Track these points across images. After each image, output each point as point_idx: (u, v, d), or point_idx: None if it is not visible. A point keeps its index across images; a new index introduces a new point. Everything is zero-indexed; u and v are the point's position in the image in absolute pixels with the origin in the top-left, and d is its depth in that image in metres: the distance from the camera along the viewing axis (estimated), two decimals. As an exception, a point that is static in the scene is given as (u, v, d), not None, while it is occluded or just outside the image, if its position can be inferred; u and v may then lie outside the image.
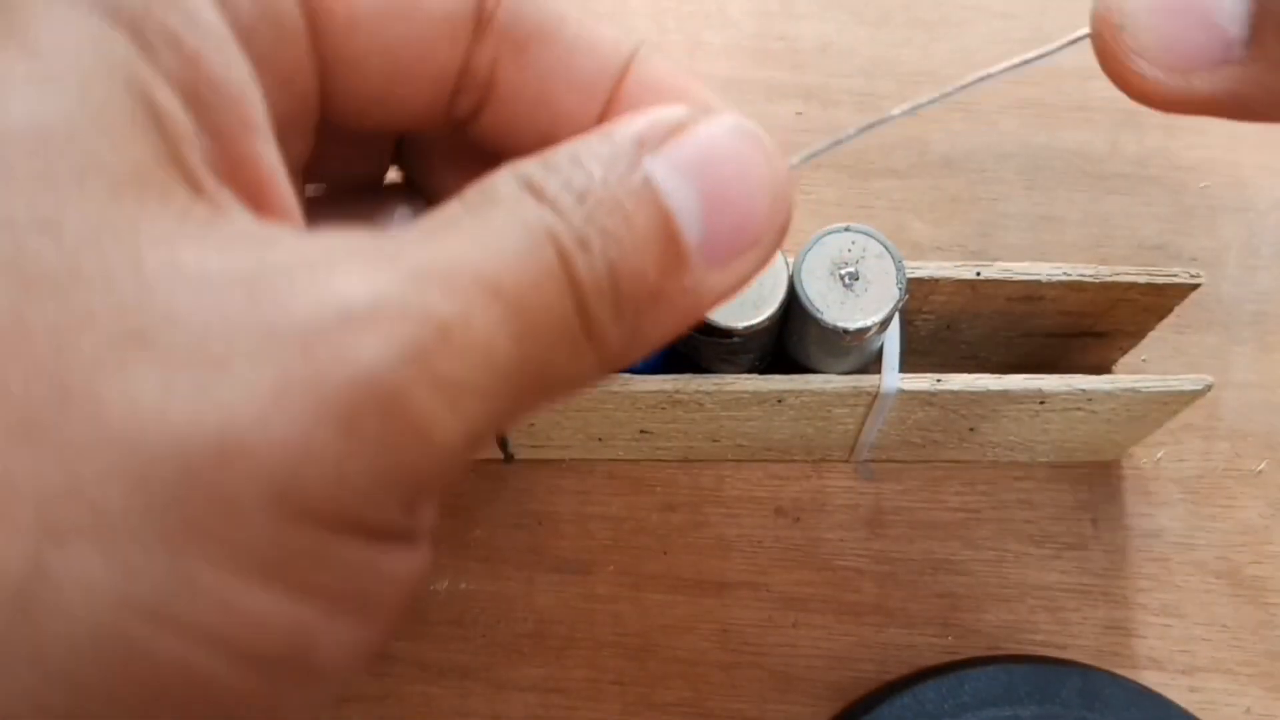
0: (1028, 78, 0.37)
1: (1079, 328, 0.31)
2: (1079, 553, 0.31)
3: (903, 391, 0.27)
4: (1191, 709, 0.28)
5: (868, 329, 0.25)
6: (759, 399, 0.27)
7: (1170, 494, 0.32)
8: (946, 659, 0.30)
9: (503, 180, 0.14)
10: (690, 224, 0.15)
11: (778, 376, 0.27)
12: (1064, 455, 0.32)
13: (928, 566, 0.31)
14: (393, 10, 0.16)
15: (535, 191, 0.14)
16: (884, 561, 0.31)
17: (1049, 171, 0.36)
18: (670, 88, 0.17)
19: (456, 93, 0.17)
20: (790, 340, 0.27)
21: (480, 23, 0.16)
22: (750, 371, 0.27)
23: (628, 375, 0.26)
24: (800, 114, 0.36)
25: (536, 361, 0.13)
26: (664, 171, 0.15)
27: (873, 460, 0.32)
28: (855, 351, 0.26)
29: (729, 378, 0.26)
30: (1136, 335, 0.31)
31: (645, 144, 0.15)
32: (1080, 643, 0.30)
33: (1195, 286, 0.29)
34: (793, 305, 0.26)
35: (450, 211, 0.14)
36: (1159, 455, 0.32)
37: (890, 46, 0.37)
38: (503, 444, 0.26)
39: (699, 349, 0.27)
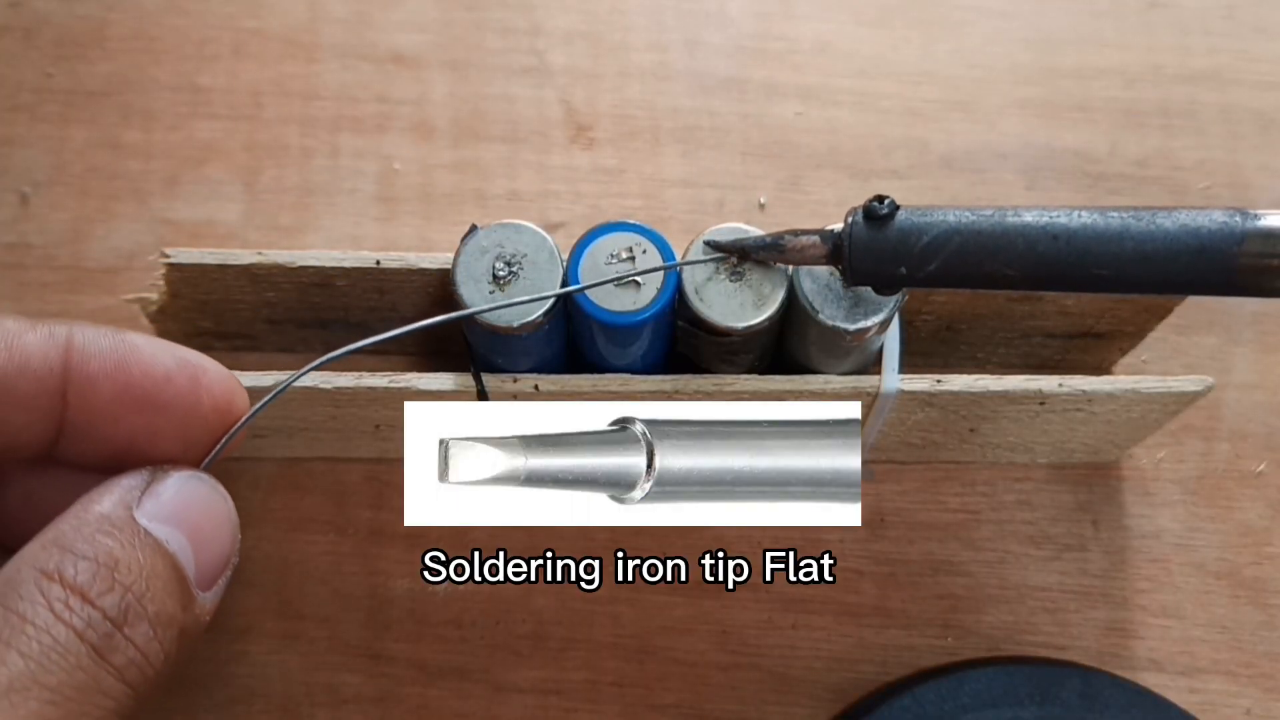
0: (1027, 78, 0.37)
1: (1079, 328, 0.31)
2: (1079, 554, 0.31)
3: (903, 392, 0.27)
4: (1191, 710, 0.28)
5: (868, 329, 0.25)
6: (759, 399, 0.27)
7: (1170, 495, 0.32)
8: (946, 660, 0.30)
9: (24, 584, 0.17)
10: (188, 563, 0.19)
11: (778, 377, 0.27)
12: (1064, 456, 0.32)
13: (927, 568, 0.31)
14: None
15: (54, 580, 0.17)
16: (884, 563, 0.31)
17: (1049, 171, 0.35)
18: (115, 355, 0.20)
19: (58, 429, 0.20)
20: (790, 341, 0.27)
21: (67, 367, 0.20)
22: (750, 372, 0.27)
23: (628, 375, 0.26)
24: (800, 114, 0.36)
25: None
26: (155, 526, 0.19)
27: (872, 461, 0.32)
28: (855, 352, 0.26)
29: (729, 378, 0.26)
30: (1136, 335, 0.31)
31: (130, 507, 0.19)
32: (1080, 644, 0.30)
33: (1196, 287, 0.29)
34: (793, 306, 0.26)
35: None
36: (1159, 456, 0.32)
37: (890, 46, 0.37)
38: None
39: (699, 349, 0.26)
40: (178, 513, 0.19)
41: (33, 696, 0.16)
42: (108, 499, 0.19)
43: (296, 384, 0.26)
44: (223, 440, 0.21)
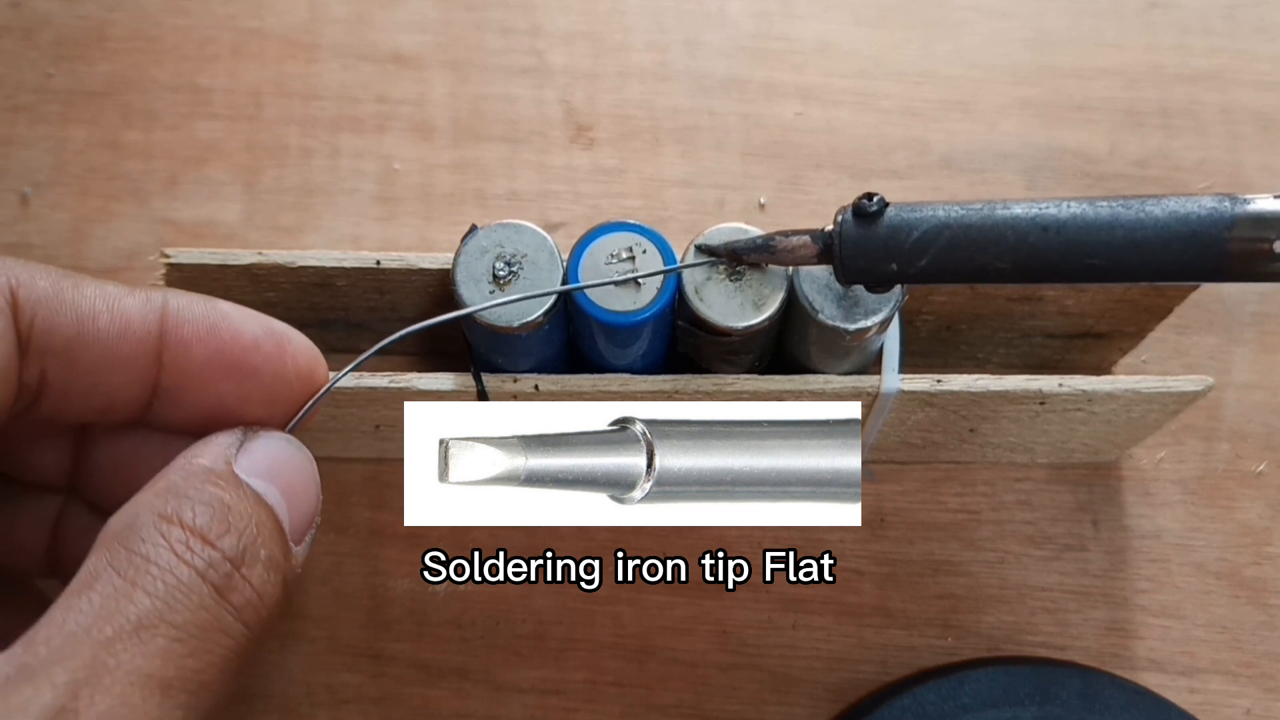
0: (1027, 78, 0.37)
1: (1079, 328, 0.31)
2: (1079, 554, 0.31)
3: (903, 392, 0.27)
4: (1191, 710, 0.28)
5: (868, 329, 0.25)
6: (759, 399, 0.27)
7: (1170, 495, 0.32)
8: (946, 660, 0.30)
9: (145, 528, 0.18)
10: (284, 516, 0.20)
11: (778, 376, 0.27)
12: (1064, 456, 0.32)
13: (928, 568, 0.31)
14: (90, 334, 0.20)
15: (173, 523, 0.18)
16: (884, 563, 0.31)
17: (1049, 171, 0.35)
18: (207, 323, 0.21)
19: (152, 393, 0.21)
20: (790, 341, 0.27)
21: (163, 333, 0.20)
22: (750, 371, 0.27)
23: (628, 375, 0.26)
24: (800, 114, 0.36)
25: (206, 666, 0.17)
26: (253, 480, 0.19)
27: (872, 461, 0.32)
28: (855, 352, 0.26)
29: (729, 378, 0.26)
30: (1136, 336, 0.31)
31: (230, 462, 0.20)
32: (1080, 644, 0.30)
33: (1195, 287, 0.29)
34: (793, 306, 0.26)
35: (96, 571, 0.17)
36: (1159, 456, 0.32)
37: (890, 46, 0.37)
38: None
39: (699, 349, 0.26)
40: (271, 470, 0.20)
41: (160, 634, 0.17)
42: (208, 454, 0.20)
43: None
44: (308, 404, 0.22)
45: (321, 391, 0.22)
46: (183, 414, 0.21)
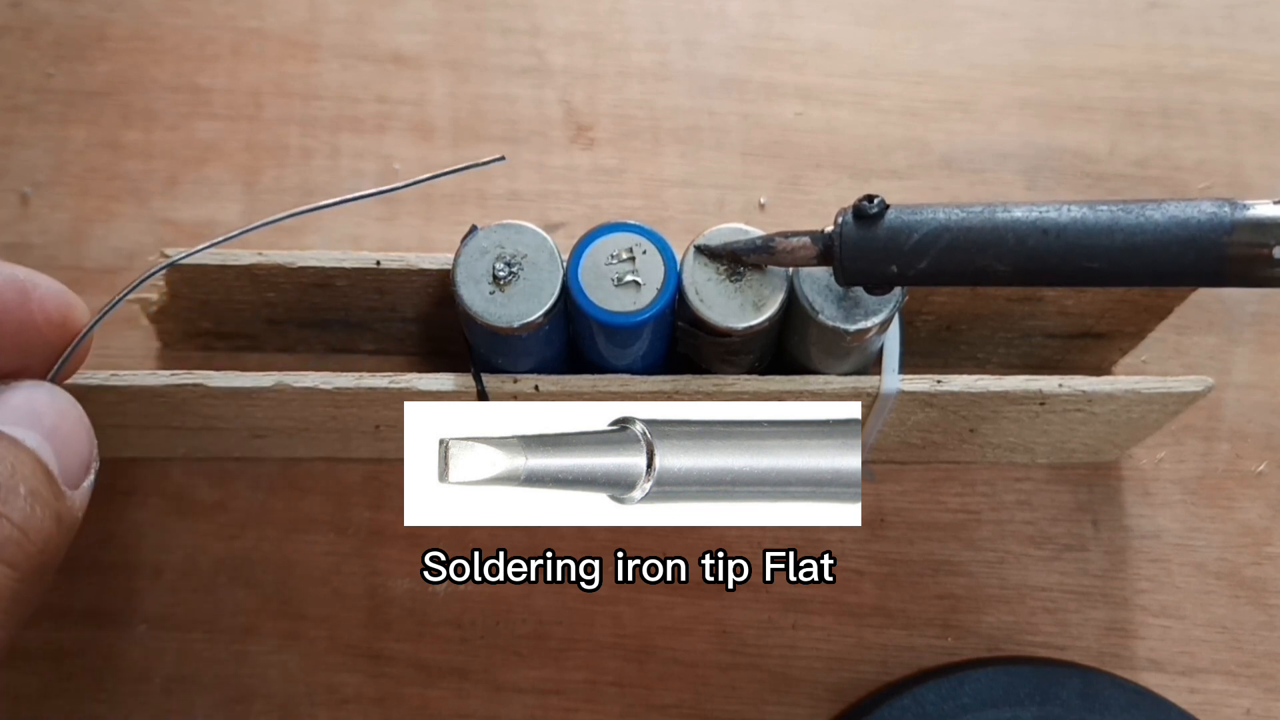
0: (1027, 78, 0.37)
1: (1079, 328, 0.31)
2: (1079, 554, 0.31)
3: (903, 392, 0.27)
4: (1191, 710, 0.28)
5: (868, 330, 0.25)
6: (759, 399, 0.27)
7: (1170, 495, 0.32)
8: (947, 660, 0.30)
9: None
10: (50, 459, 0.19)
11: (778, 377, 0.27)
12: (1064, 456, 0.32)
13: (928, 568, 0.31)
14: None
15: None
16: (884, 563, 0.31)
17: (1049, 171, 0.35)
18: None
19: None
20: (790, 341, 0.27)
21: None
22: (750, 372, 0.27)
23: (628, 375, 0.26)
24: (800, 114, 0.36)
25: None
26: (9, 429, 0.19)
27: (872, 461, 0.32)
28: (855, 352, 0.26)
29: (729, 378, 0.26)
30: (1136, 336, 0.31)
31: None
32: (1080, 644, 0.30)
33: (1195, 288, 0.29)
34: (792, 306, 0.26)
35: None
36: (1159, 456, 0.32)
37: (890, 46, 0.37)
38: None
39: (699, 349, 0.26)
40: (30, 418, 0.19)
41: None
42: None
43: (294, 384, 0.26)
44: (67, 351, 0.21)
45: (80, 335, 0.21)
46: None
